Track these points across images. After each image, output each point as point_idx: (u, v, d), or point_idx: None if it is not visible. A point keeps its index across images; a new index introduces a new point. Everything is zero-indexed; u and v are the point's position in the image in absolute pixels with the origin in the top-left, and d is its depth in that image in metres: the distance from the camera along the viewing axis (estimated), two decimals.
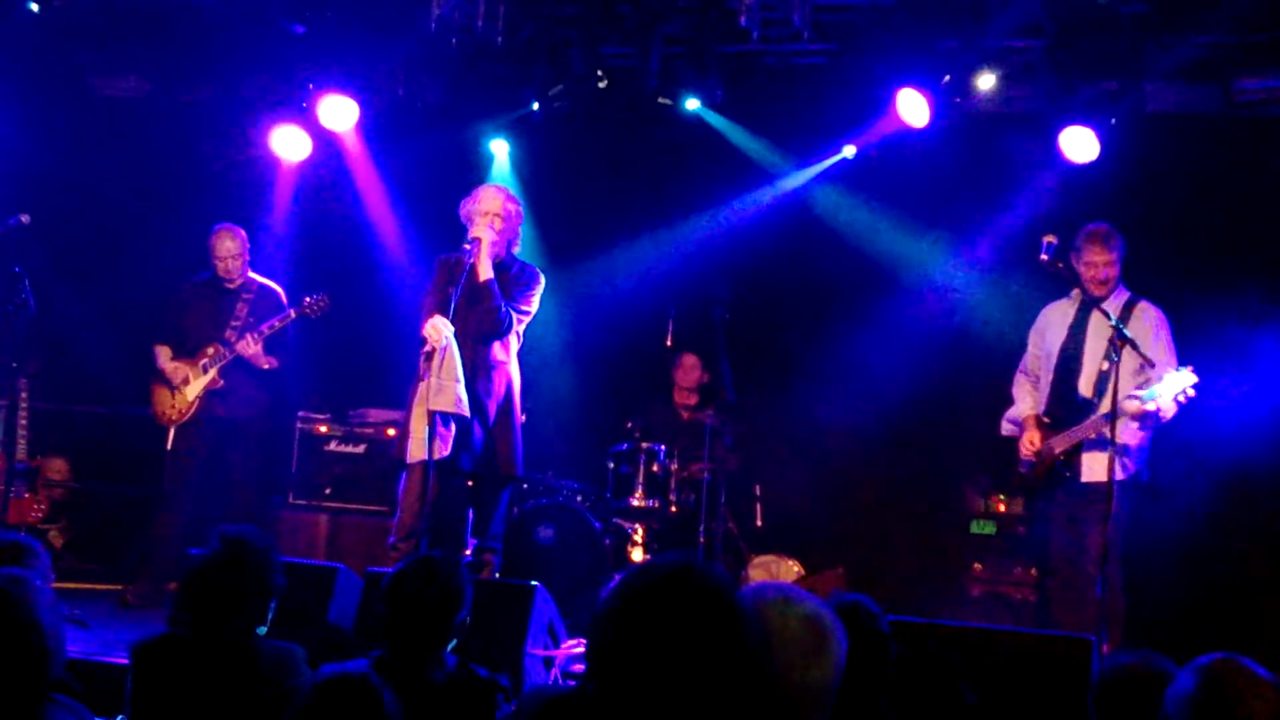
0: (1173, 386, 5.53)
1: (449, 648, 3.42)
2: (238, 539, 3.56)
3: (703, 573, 1.96)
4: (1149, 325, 5.86)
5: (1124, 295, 5.97)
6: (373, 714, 2.29)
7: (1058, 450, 5.92)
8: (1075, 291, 6.01)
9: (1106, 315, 5.69)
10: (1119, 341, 5.47)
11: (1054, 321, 6.16)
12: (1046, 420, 6.04)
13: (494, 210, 6.20)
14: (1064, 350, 6.05)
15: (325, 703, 2.22)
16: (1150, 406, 5.57)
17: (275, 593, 3.59)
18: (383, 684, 2.45)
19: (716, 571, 1.99)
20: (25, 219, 6.68)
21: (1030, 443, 6.04)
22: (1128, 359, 5.59)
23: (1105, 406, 5.64)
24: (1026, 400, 6.23)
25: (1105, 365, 5.81)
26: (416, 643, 3.34)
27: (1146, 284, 5.97)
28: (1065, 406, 5.98)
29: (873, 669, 3.25)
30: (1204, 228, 7.11)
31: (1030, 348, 6.27)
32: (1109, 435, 5.46)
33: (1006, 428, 6.28)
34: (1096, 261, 5.89)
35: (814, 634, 2.32)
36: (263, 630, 3.54)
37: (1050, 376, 6.09)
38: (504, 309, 6.09)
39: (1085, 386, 5.93)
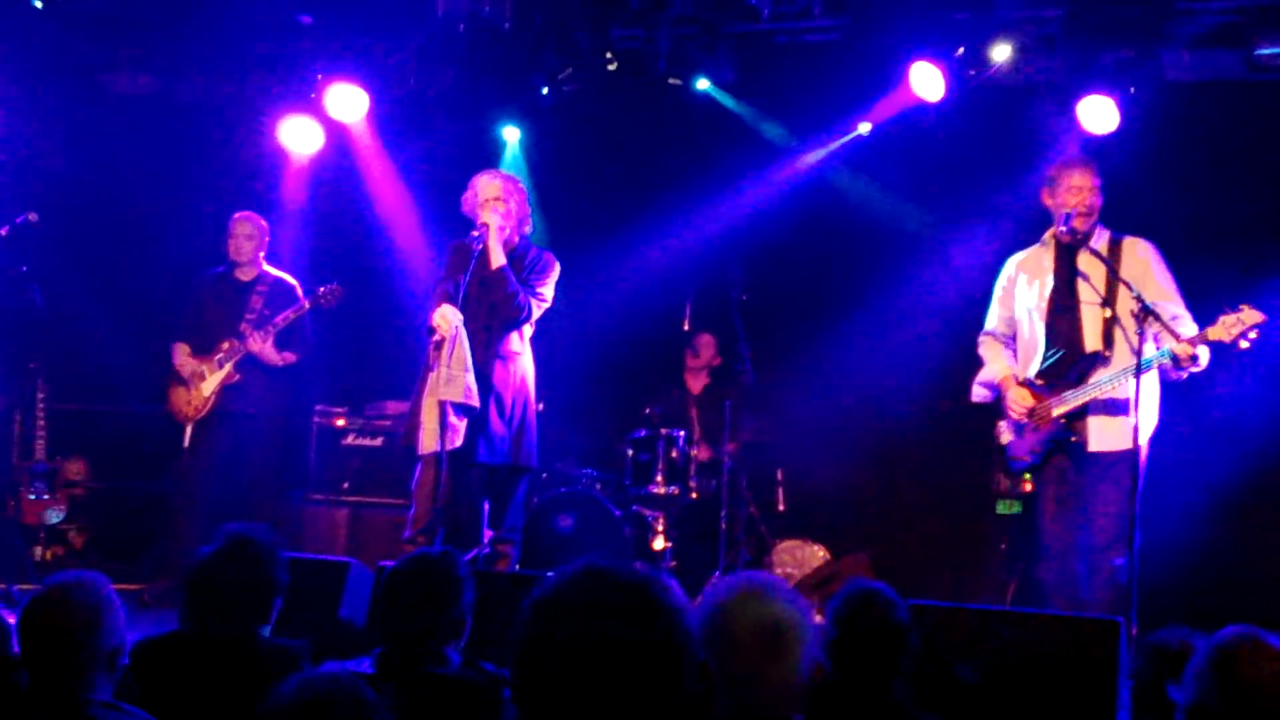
0: (1233, 327, 4.85)
1: (453, 644, 3.36)
2: (242, 536, 3.51)
3: (605, 578, 1.73)
4: (1145, 258, 5.30)
5: (1106, 233, 5.41)
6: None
7: (1057, 413, 5.25)
8: (1047, 235, 5.47)
9: (1129, 287, 5.04)
10: (1142, 315, 4.91)
11: (1030, 272, 5.53)
12: (1040, 382, 5.37)
13: (494, 195, 6.09)
14: (1055, 301, 5.39)
15: (306, 706, 2.15)
16: (1204, 353, 4.95)
17: (278, 591, 3.54)
18: (381, 681, 2.38)
19: (625, 573, 1.75)
20: (33, 217, 6.66)
21: (1020, 401, 5.35)
22: (1125, 302, 5.10)
23: (1120, 359, 5.14)
24: (1000, 360, 5.57)
25: (1109, 312, 5.19)
26: (411, 639, 3.29)
27: (1170, 252, 5.56)
28: (1065, 363, 5.32)
29: (887, 659, 3.20)
30: (1225, 196, 6.93)
31: (998, 307, 5.67)
32: (1124, 394, 5.02)
33: (978, 392, 5.65)
34: (1082, 186, 5.27)
35: (770, 635, 2.38)
36: (266, 630, 3.49)
37: (1038, 332, 5.43)
38: (522, 295, 5.99)
39: (1092, 338, 5.28)
